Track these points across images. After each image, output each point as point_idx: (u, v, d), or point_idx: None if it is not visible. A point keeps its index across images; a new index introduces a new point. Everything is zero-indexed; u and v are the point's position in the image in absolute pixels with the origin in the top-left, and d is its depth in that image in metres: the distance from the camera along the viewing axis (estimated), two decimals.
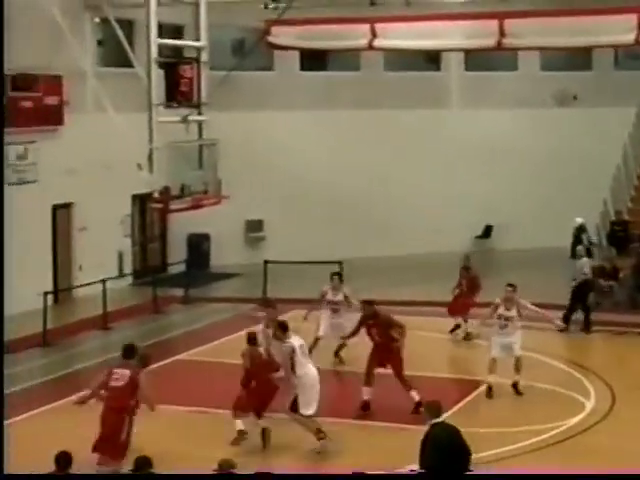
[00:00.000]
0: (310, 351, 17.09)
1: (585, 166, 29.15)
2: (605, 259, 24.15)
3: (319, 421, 14.07)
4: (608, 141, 28.72)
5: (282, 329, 14.39)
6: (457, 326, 20.54)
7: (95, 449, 12.74)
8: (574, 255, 24.64)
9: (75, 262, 24.50)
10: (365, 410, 15.55)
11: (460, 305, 20.62)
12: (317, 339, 18.34)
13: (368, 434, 14.79)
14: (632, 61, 30.82)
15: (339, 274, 19.09)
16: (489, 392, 16.56)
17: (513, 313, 16.97)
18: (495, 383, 16.68)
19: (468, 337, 20.15)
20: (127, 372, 12.87)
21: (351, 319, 17.62)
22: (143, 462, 10.52)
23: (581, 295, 21.41)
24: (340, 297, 18.51)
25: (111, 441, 12.69)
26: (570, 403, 16.07)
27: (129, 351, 13.33)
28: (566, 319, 21.00)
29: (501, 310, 17.06)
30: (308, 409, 13.84)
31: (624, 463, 13.02)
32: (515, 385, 16.65)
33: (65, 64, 22.70)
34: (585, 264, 21.76)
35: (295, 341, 14.17)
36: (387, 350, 15.80)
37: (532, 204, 29.63)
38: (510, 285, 17.34)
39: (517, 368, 16.67)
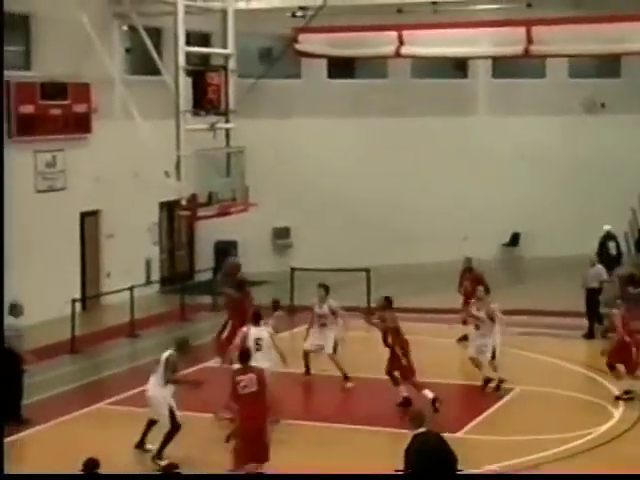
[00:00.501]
0: (307, 369, 17.74)
1: (613, 174, 29.00)
2: (634, 266, 23.99)
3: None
4: (636, 148, 28.57)
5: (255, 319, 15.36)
6: (465, 336, 19.98)
7: (255, 459, 12.46)
8: (601, 262, 24.52)
9: (103, 269, 24.60)
10: (406, 406, 15.67)
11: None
12: (306, 353, 18.12)
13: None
14: None
15: (325, 286, 18.45)
16: (484, 386, 16.94)
17: (482, 314, 17.16)
18: (493, 377, 17.00)
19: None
20: (253, 376, 12.75)
21: (339, 330, 17.90)
22: (92, 464, 10.53)
23: (593, 302, 21.28)
24: (325, 310, 18.13)
25: (264, 446, 12.54)
26: (598, 411, 15.96)
27: (245, 356, 13.22)
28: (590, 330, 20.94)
29: (473, 310, 17.47)
30: None
31: None
32: (487, 382, 16.94)
33: (94, 72, 22.84)
34: (600, 271, 21.57)
35: (254, 331, 15.12)
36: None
37: (560, 212, 29.50)
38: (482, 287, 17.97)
39: (493, 369, 16.96)
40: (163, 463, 12.90)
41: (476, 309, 17.37)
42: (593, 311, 21.21)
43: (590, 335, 20.94)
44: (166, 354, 14.11)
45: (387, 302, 16.72)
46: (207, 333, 22.22)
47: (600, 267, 21.62)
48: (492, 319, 17.15)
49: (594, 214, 27.49)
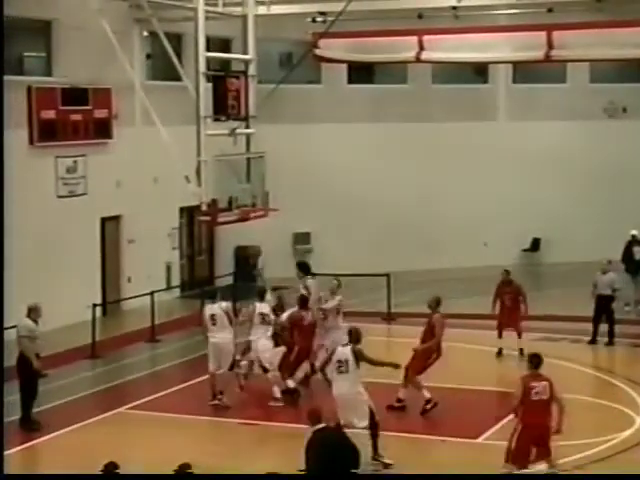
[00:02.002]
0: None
1: (635, 178, 28.87)
2: None
3: None
4: None
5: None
6: (501, 350, 20.06)
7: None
8: (627, 269, 24.40)
9: (123, 274, 24.67)
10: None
11: (510, 320, 20.18)
12: None
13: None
14: None
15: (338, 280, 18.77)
16: None
17: None
18: None
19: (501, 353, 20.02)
20: (546, 384, 12.74)
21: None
22: (112, 468, 10.59)
23: (603, 308, 21.17)
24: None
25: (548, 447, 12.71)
26: (619, 417, 15.87)
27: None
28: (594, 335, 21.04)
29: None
30: None
31: None
32: None
33: (114, 78, 22.92)
34: (614, 278, 21.45)
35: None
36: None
37: (581, 217, 29.39)
38: None
39: None
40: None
41: None
42: (602, 318, 21.10)
43: (593, 341, 20.91)
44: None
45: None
46: None
47: (613, 274, 21.52)
48: None
49: (616, 219, 27.36)
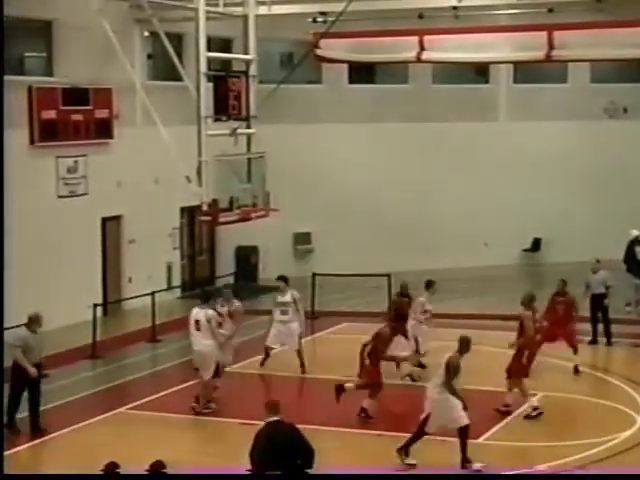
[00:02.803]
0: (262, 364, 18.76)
1: (636, 179, 28.85)
2: None
3: None
4: None
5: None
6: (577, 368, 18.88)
7: None
8: (629, 269, 24.38)
9: (124, 274, 24.67)
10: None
11: (563, 332, 19.12)
12: (267, 348, 19.09)
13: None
14: None
15: (284, 277, 19.47)
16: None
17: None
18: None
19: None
20: None
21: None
22: (112, 468, 10.62)
23: (598, 307, 21.18)
24: (288, 298, 19.11)
25: None
26: (620, 417, 15.87)
27: None
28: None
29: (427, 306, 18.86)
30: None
31: None
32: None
33: (115, 78, 22.93)
34: (606, 277, 21.42)
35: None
36: None
37: (581, 217, 29.39)
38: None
39: None
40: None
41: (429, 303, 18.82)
42: (598, 316, 21.10)
43: (594, 341, 20.94)
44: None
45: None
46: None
47: (604, 272, 21.54)
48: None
49: (617, 219, 27.35)
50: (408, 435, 14.04)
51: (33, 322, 15.66)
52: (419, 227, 28.79)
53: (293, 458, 10.76)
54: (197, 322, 16.54)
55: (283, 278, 19.44)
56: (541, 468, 13.49)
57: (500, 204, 29.45)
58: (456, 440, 13.92)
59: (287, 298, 19.04)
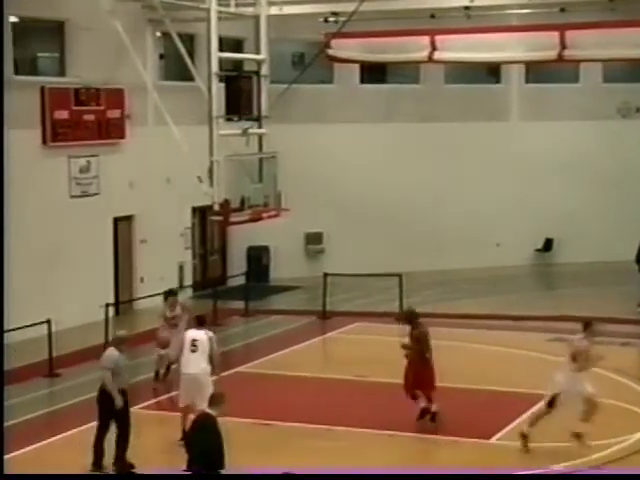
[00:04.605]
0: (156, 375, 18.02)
1: None
2: None
3: None
4: None
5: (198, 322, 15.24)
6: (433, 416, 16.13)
7: None
8: None
9: (136, 274, 24.71)
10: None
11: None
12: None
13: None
14: None
15: (173, 291, 18.85)
16: None
17: None
18: None
19: None
20: None
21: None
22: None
23: None
24: (177, 311, 18.29)
25: None
26: (632, 418, 15.84)
27: None
28: None
29: None
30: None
31: None
32: None
33: (127, 78, 22.96)
34: None
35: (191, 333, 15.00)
36: None
37: (593, 217, 29.32)
38: None
39: None
40: None
41: None
42: None
43: None
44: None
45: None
46: (239, 338, 22.35)
47: None
48: None
49: (628, 219, 27.31)
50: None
51: (119, 342, 14.24)
52: (431, 227, 28.76)
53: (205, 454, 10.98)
54: (194, 341, 14.79)
55: (172, 292, 18.60)
56: (556, 468, 13.45)
57: (512, 204, 29.41)
58: (469, 440, 13.89)
59: (177, 312, 18.17)
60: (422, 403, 15.42)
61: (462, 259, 28.56)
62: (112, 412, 13.71)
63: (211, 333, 14.92)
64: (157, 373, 18.40)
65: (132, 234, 24.64)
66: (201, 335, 14.85)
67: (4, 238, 18.88)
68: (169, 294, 18.51)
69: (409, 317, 15.60)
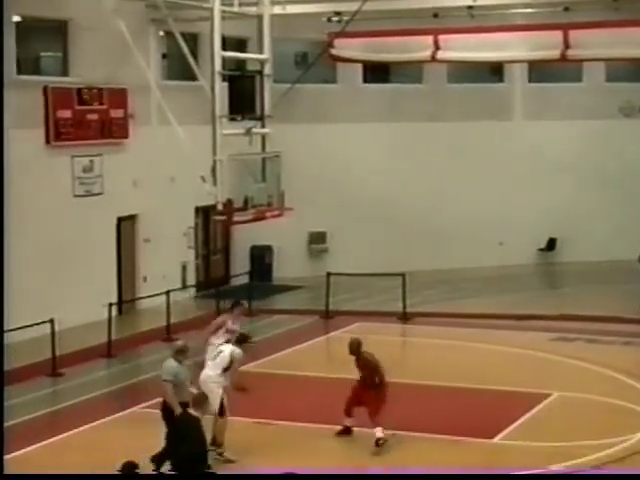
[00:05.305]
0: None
1: None
2: None
3: None
4: None
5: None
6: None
7: None
8: None
9: (139, 273, 24.72)
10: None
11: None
12: None
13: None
14: None
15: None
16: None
17: None
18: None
19: None
20: None
21: None
22: (130, 467, 10.63)
23: None
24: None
25: None
26: (634, 417, 15.81)
27: None
28: None
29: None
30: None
31: None
32: None
33: (130, 77, 22.98)
34: None
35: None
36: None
37: (596, 217, 29.30)
38: None
39: None
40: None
41: None
42: None
43: None
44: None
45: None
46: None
47: None
48: None
49: (631, 219, 27.30)
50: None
51: (179, 352, 13.77)
52: (433, 226, 28.75)
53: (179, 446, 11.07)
54: (219, 353, 14.56)
55: (239, 303, 17.17)
56: (555, 469, 13.45)
57: (515, 203, 29.40)
58: (473, 440, 13.86)
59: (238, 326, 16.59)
60: (348, 422, 15.00)
61: (465, 258, 28.55)
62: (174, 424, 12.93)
63: (239, 351, 14.47)
64: None
65: (135, 233, 24.64)
66: (227, 349, 14.52)
67: (5, 238, 18.88)
68: (236, 304, 17.22)
69: (352, 349, 15.09)
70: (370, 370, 14.93)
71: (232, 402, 14.36)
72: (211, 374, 14.29)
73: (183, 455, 11.06)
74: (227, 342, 15.28)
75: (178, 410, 13.02)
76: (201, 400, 11.72)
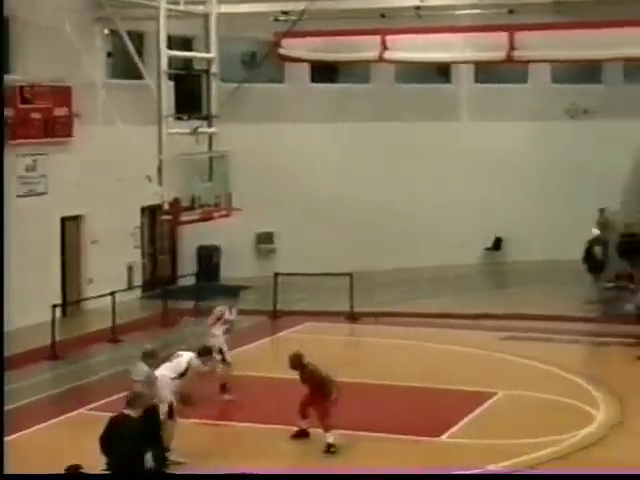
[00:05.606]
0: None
1: (595, 179, 29.06)
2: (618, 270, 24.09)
3: None
4: (618, 154, 28.64)
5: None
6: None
7: None
8: (590, 270, 24.59)
9: (85, 274, 24.46)
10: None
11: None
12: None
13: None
14: None
15: None
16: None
17: None
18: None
19: None
20: None
21: None
22: (74, 471, 10.64)
23: None
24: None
25: None
26: (579, 415, 15.96)
27: None
28: None
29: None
30: None
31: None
32: None
33: (75, 76, 22.73)
34: None
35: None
36: None
37: (542, 217, 29.52)
38: None
39: None
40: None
41: None
42: None
43: None
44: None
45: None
46: (189, 338, 22.16)
47: None
48: None
49: (576, 219, 27.53)
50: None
51: (150, 356, 13.75)
52: (382, 226, 28.78)
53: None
54: (177, 355, 14.54)
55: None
56: (491, 468, 13.49)
57: (462, 203, 29.52)
58: (421, 438, 13.87)
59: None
60: (304, 425, 14.92)
61: (413, 258, 28.59)
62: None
63: (197, 361, 14.33)
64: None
65: (80, 234, 24.39)
66: (187, 356, 14.38)
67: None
68: (235, 294, 18.05)
69: (293, 362, 14.99)
70: (316, 384, 14.70)
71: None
72: (165, 373, 14.17)
73: (119, 455, 10.97)
74: (225, 333, 16.90)
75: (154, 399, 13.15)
76: (136, 399, 11.60)
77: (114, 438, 11.16)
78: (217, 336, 17.06)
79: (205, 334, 17.17)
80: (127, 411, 11.43)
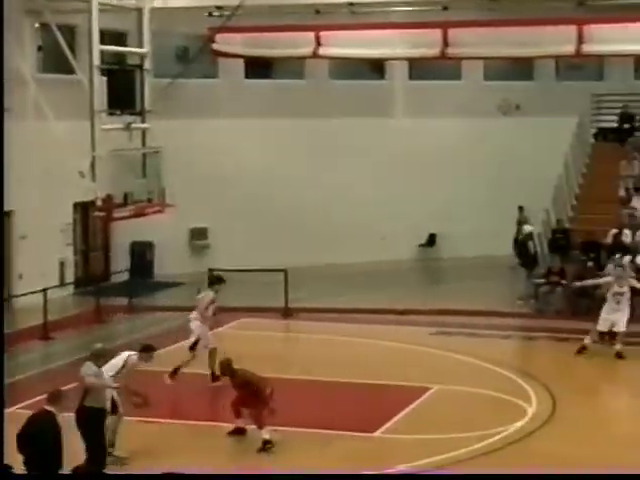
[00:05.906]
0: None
1: (528, 175, 29.35)
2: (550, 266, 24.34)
3: None
4: (550, 150, 28.91)
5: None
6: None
7: None
8: (524, 264, 24.85)
9: (15, 271, 24.13)
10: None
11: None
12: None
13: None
14: (573, 72, 31.18)
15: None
16: None
17: None
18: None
19: None
20: None
21: None
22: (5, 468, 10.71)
23: None
24: None
25: None
26: (512, 409, 16.14)
27: None
28: None
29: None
30: None
31: (565, 467, 13.07)
32: None
33: (5, 70, 22.34)
34: None
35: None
36: None
37: (475, 213, 29.74)
38: None
39: None
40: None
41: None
42: None
43: None
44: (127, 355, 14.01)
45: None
46: (122, 335, 22.03)
47: None
48: None
49: (508, 216, 27.81)
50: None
51: (98, 357, 13.42)
52: (316, 222, 28.81)
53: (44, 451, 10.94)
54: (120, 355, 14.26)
55: (221, 279, 18.76)
56: (401, 468, 13.57)
57: (396, 200, 29.66)
58: (354, 434, 13.87)
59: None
60: (240, 423, 14.85)
61: (347, 254, 28.66)
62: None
63: (135, 358, 14.04)
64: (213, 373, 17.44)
65: (11, 230, 24.04)
66: (124, 354, 14.13)
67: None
68: (220, 280, 18.76)
69: (224, 369, 14.99)
70: (249, 389, 14.60)
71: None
72: (106, 368, 13.93)
73: (37, 453, 10.83)
74: (213, 314, 18.16)
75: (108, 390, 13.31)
76: (58, 396, 11.44)
77: (33, 435, 10.96)
78: (203, 324, 18.06)
79: (189, 321, 18.26)
80: (49, 407, 11.25)
